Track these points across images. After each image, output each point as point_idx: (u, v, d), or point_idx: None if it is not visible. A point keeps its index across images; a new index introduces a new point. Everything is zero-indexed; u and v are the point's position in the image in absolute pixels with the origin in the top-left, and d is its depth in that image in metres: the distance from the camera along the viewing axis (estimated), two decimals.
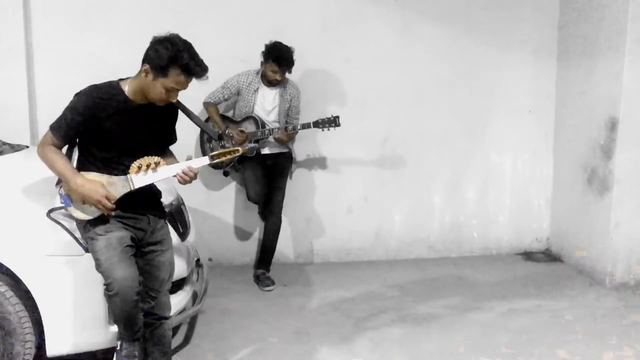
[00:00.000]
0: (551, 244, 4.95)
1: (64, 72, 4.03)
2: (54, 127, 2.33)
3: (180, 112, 2.63)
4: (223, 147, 4.01)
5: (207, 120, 4.16)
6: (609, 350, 3.20)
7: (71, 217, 2.43)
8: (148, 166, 2.34)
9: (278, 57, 3.94)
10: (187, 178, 2.39)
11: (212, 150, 4.09)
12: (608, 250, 4.14)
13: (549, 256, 4.89)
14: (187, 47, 2.29)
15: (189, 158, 2.43)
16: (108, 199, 2.29)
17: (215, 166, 4.11)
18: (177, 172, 2.39)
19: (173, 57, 2.24)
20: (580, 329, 3.46)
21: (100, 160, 2.36)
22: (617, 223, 4.10)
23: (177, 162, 2.48)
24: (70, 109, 2.31)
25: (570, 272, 4.49)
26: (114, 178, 2.34)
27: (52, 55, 4.13)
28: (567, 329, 3.47)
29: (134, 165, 2.34)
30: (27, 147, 3.39)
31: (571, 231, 4.64)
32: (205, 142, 4.23)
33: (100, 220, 2.35)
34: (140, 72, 2.32)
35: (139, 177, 2.35)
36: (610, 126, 4.10)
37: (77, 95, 2.33)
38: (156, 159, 2.37)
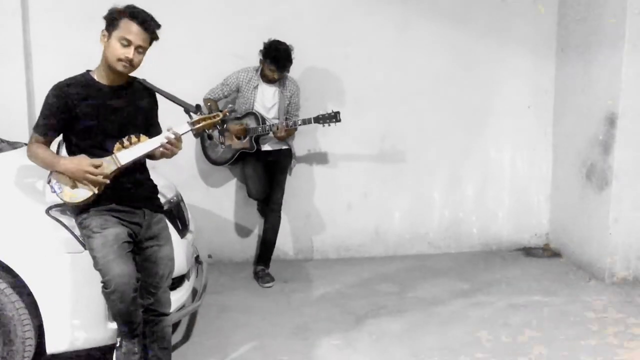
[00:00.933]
0: (550, 240, 4.96)
1: (62, 70, 3.93)
2: (35, 126, 2.41)
3: (164, 101, 2.61)
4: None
5: None
6: (608, 345, 3.20)
7: (69, 213, 2.43)
8: (129, 140, 2.37)
9: (275, 57, 3.93)
10: (171, 147, 2.41)
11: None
12: (607, 245, 4.14)
13: (548, 251, 4.89)
14: (133, 5, 2.40)
15: (169, 129, 2.44)
16: (95, 166, 2.31)
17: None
18: (160, 142, 2.40)
19: (122, 9, 2.35)
20: (580, 324, 3.46)
21: (84, 150, 2.38)
22: (616, 218, 4.10)
23: None
24: (44, 105, 2.38)
25: (569, 268, 4.50)
26: (100, 159, 2.35)
27: (50, 54, 4.12)
28: (566, 324, 3.47)
29: (117, 145, 2.37)
30: (26, 144, 3.39)
31: (570, 227, 4.64)
32: (206, 138, 4.22)
33: (96, 216, 2.35)
34: (101, 43, 2.39)
35: (122, 153, 2.37)
36: (610, 122, 4.10)
37: (49, 90, 2.38)
38: (137, 134, 2.40)
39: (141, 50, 2.37)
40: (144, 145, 2.40)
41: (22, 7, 4.05)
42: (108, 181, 2.35)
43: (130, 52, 2.33)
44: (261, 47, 4.01)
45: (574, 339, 3.28)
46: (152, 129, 2.58)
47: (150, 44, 2.41)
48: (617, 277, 4.16)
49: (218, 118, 2.50)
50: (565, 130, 4.70)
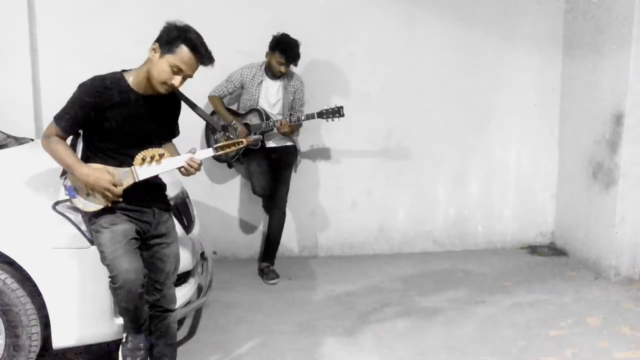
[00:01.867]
0: (556, 238, 4.94)
1: (68, 66, 4.03)
2: (58, 118, 2.33)
3: (184, 105, 2.63)
4: (228, 138, 4.00)
5: (212, 113, 4.16)
6: (615, 344, 3.19)
7: (76, 209, 2.43)
8: (152, 158, 2.35)
9: (285, 49, 3.93)
10: (191, 170, 2.40)
11: (217, 142, 4.08)
12: (613, 243, 4.12)
13: (554, 250, 4.88)
14: (198, 33, 2.35)
15: (192, 151, 2.43)
16: (115, 185, 2.30)
17: (219, 158, 4.13)
18: (180, 164, 2.39)
19: (183, 33, 2.29)
20: (586, 323, 3.46)
21: (104, 152, 2.36)
22: (623, 217, 4.09)
23: (180, 154, 2.48)
24: (74, 99, 2.31)
25: (574, 266, 4.49)
26: (118, 170, 2.34)
27: (56, 50, 4.13)
28: (573, 322, 3.46)
29: (138, 157, 2.34)
30: (32, 140, 3.40)
31: (576, 225, 4.62)
32: (210, 134, 4.23)
33: (106, 212, 2.35)
34: (149, 53, 2.33)
35: (142, 169, 2.35)
36: (616, 120, 4.08)
37: (80, 85, 2.33)
38: (160, 150, 2.38)
39: (187, 78, 2.35)
40: (165, 164, 2.39)
41: (28, 3, 4.05)
42: (121, 200, 2.34)
43: (178, 81, 2.31)
44: (266, 43, 4.01)
45: (580, 337, 3.27)
46: (171, 131, 2.59)
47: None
48: (623, 275, 4.15)
49: (242, 145, 2.50)
50: (571, 128, 4.68)
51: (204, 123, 4.15)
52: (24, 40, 4.06)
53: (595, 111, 4.31)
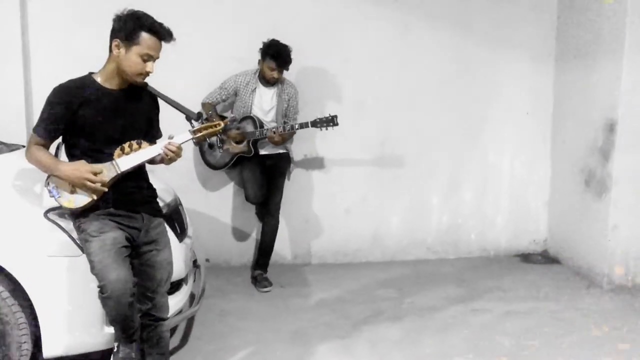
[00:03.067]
0: (549, 246, 4.95)
1: (61, 71, 3.91)
2: (36, 127, 2.37)
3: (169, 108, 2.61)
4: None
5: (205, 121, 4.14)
6: (606, 352, 3.19)
7: (67, 216, 2.41)
8: (130, 147, 2.36)
9: (275, 54, 3.93)
10: (170, 154, 2.41)
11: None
12: (606, 252, 4.14)
13: (547, 258, 4.89)
14: (147, 14, 2.37)
15: (170, 137, 2.44)
16: (95, 174, 2.30)
17: (209, 163, 4.14)
18: (160, 149, 2.40)
19: (138, 21, 2.32)
20: (578, 331, 3.45)
21: (86, 152, 2.37)
22: (615, 225, 4.10)
23: None
24: (46, 105, 2.35)
25: (567, 274, 4.49)
26: (100, 165, 2.34)
27: (49, 55, 4.11)
28: (565, 331, 3.46)
29: (117, 150, 2.36)
30: (23, 146, 3.37)
31: (569, 233, 4.64)
32: (205, 144, 4.21)
33: (94, 220, 2.34)
34: (110, 51, 2.38)
35: (123, 160, 2.36)
36: (609, 128, 4.11)
37: (51, 92, 2.35)
38: (139, 140, 2.39)
39: (157, 59, 2.39)
40: (145, 152, 2.39)
41: (20, 8, 4.03)
42: (107, 189, 2.34)
43: (151, 67, 2.36)
44: (259, 48, 4.01)
45: (573, 345, 3.27)
46: (153, 132, 2.59)
47: None
48: (616, 284, 4.15)
49: (219, 127, 2.50)
50: (564, 136, 4.70)
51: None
52: (16, 47, 4.04)
53: (588, 119, 4.34)
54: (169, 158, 2.42)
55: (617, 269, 4.15)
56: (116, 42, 2.35)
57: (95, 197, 2.33)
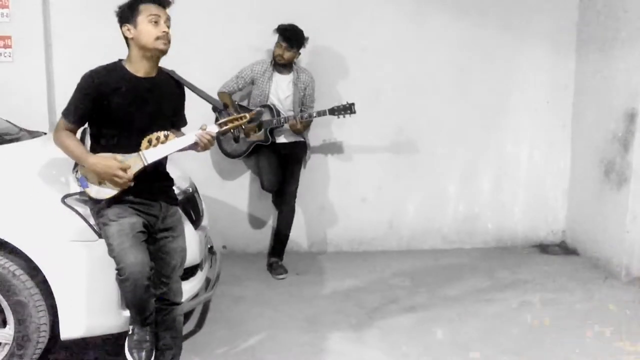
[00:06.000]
0: (567, 237, 4.91)
1: (82, 61, 3.97)
2: (65, 112, 2.39)
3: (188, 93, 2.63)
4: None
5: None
6: (622, 345, 3.17)
7: (86, 201, 2.47)
8: (157, 139, 2.38)
9: (283, 30, 3.97)
10: (205, 141, 2.42)
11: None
12: (624, 243, 4.08)
13: (565, 249, 4.85)
14: None
15: (203, 127, 2.45)
16: (124, 170, 2.33)
17: (227, 153, 4.18)
18: (192, 139, 2.41)
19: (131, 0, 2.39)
20: (594, 323, 3.42)
21: (113, 140, 2.40)
22: (635, 216, 4.05)
23: None
24: (77, 90, 2.37)
25: (585, 266, 4.45)
26: (126, 156, 2.37)
27: (70, 45, 4.19)
28: (581, 322, 3.44)
29: (144, 141, 2.38)
30: (45, 133, 3.45)
31: (587, 224, 4.58)
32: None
33: (114, 205, 2.39)
34: (126, 41, 2.41)
35: (149, 152, 2.38)
36: (629, 118, 4.04)
37: (81, 78, 2.38)
38: (165, 132, 2.40)
39: (169, 23, 2.41)
40: (172, 144, 2.41)
41: None
42: (132, 184, 2.37)
43: (164, 27, 2.38)
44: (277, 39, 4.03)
45: (588, 337, 3.25)
46: (178, 120, 2.62)
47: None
48: (634, 276, 4.10)
49: (245, 120, 2.50)
50: (584, 126, 4.64)
51: (213, 117, 4.17)
52: (38, 35, 4.12)
53: (608, 109, 4.27)
54: (203, 145, 2.44)
55: (636, 261, 4.09)
56: (125, 27, 2.39)
57: (119, 190, 2.37)
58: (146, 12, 2.35)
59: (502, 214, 4.89)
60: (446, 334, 3.29)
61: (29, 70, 4.12)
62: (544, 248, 4.87)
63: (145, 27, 2.35)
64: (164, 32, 2.37)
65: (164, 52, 2.41)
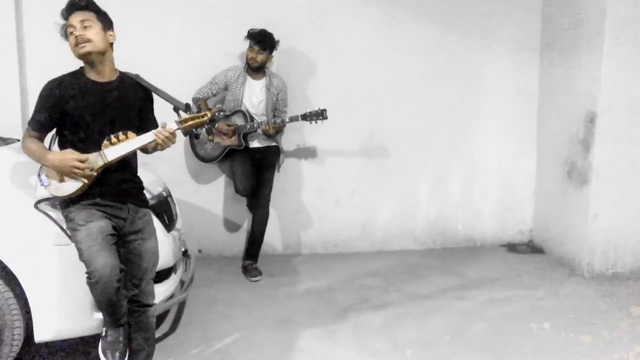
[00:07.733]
0: (534, 236, 5.05)
1: (55, 67, 3.98)
2: (30, 121, 2.48)
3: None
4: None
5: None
6: (584, 337, 3.29)
7: (56, 207, 2.51)
8: (117, 137, 2.42)
9: (255, 34, 4.07)
10: (162, 137, 2.44)
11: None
12: (586, 241, 4.24)
13: (532, 248, 5.00)
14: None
15: (163, 125, 2.48)
16: (81, 161, 2.37)
17: (197, 154, 4.26)
18: (148, 140, 2.44)
19: (62, 11, 2.47)
20: (555, 317, 3.55)
21: (77, 144, 2.45)
22: (596, 215, 4.20)
23: None
24: (38, 99, 2.45)
25: (551, 263, 4.60)
26: (85, 155, 2.41)
27: (43, 51, 4.17)
28: (544, 317, 3.56)
29: (105, 141, 2.42)
30: (18, 140, 3.47)
31: (552, 223, 4.73)
32: (194, 138, 4.31)
33: (82, 210, 2.43)
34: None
35: (110, 150, 2.42)
36: (589, 120, 4.19)
37: (43, 86, 2.45)
38: (124, 131, 2.43)
39: (87, 23, 2.43)
40: (132, 142, 2.45)
41: (15, 2, 4.11)
42: (95, 173, 2.41)
43: (75, 33, 2.41)
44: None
45: (549, 331, 3.38)
46: (148, 124, 2.63)
47: (97, 15, 2.47)
48: (596, 272, 4.26)
49: (206, 117, 2.52)
50: (549, 129, 4.79)
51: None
52: (10, 40, 4.13)
53: (571, 112, 4.42)
54: (161, 142, 2.46)
55: (597, 257, 4.25)
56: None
57: (85, 182, 2.40)
58: (68, 29, 2.45)
59: (472, 215, 5.02)
60: (415, 330, 3.39)
61: (1, 76, 4.12)
62: (512, 247, 5.01)
63: (69, 41, 2.45)
64: (76, 36, 2.42)
65: (88, 55, 2.43)
